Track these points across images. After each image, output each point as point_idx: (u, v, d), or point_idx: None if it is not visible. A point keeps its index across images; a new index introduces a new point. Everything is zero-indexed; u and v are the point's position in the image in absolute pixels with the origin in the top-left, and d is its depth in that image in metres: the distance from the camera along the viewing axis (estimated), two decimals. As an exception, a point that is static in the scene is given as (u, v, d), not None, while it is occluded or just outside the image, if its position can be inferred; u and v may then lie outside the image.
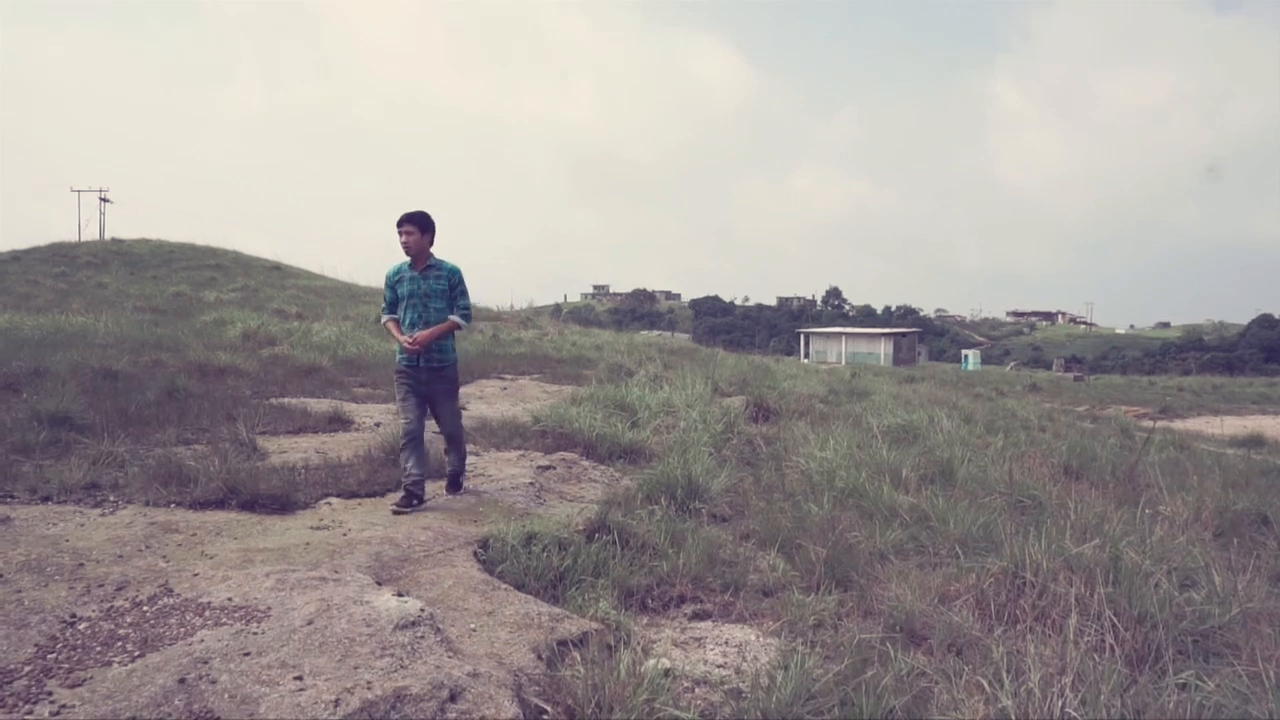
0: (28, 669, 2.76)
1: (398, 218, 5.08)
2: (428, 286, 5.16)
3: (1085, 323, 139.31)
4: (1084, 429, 12.27)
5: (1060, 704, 2.69)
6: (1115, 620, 3.25)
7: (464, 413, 9.04)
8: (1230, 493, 5.87)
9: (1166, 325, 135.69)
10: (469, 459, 6.13)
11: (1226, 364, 69.90)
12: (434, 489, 5.51)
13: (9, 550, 3.78)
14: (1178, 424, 19.61)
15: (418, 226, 5.12)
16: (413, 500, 4.98)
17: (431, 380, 5.20)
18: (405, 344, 5.14)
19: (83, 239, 35.69)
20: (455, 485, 5.46)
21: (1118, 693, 2.76)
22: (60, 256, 27.89)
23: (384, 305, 5.36)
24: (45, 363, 8.51)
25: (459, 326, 5.27)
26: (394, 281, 5.23)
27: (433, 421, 5.46)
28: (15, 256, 27.68)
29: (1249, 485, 6.51)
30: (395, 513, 4.85)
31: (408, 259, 5.17)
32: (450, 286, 5.24)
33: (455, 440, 5.41)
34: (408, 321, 5.19)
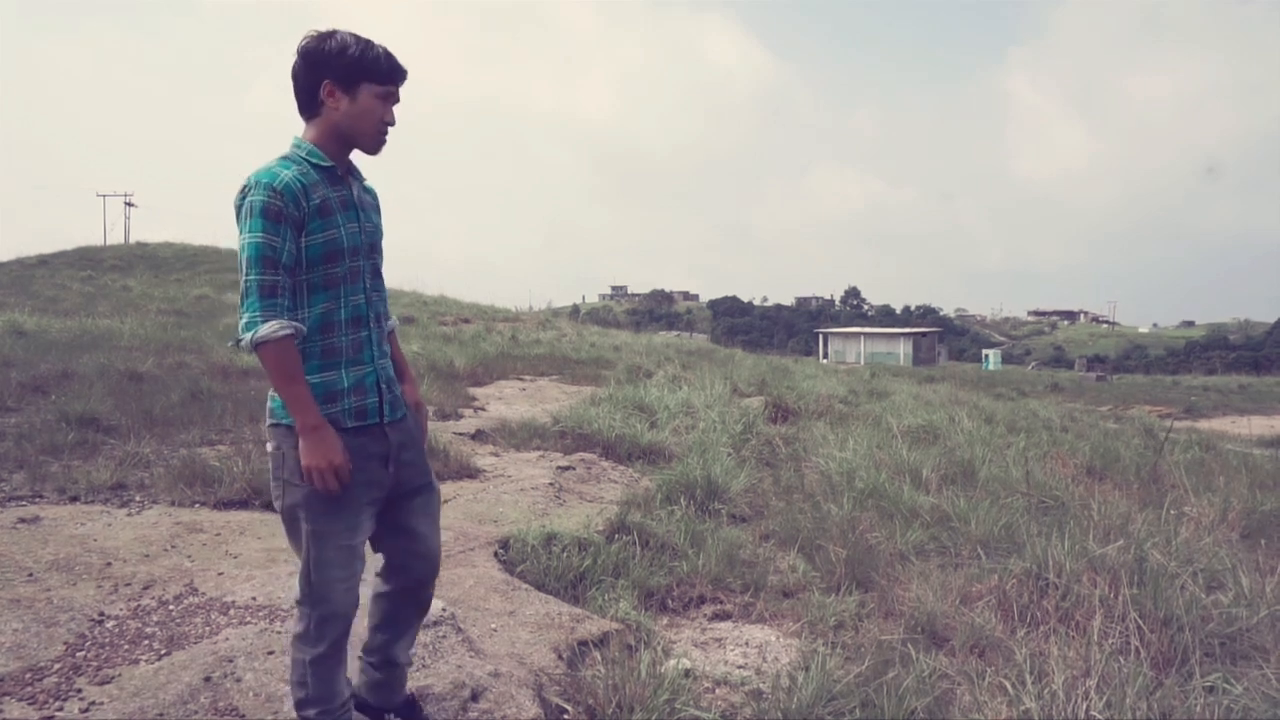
0: (57, 666, 2.81)
1: (352, 48, 2.11)
2: (372, 220, 2.30)
3: (1107, 322, 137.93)
4: (1107, 429, 12.14)
5: (1085, 706, 2.67)
6: (1140, 622, 3.21)
7: (483, 414, 9.07)
8: (1258, 493, 5.78)
9: (1191, 324, 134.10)
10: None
11: (1253, 363, 68.89)
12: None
13: (39, 549, 3.84)
14: (1203, 424, 19.37)
15: None
16: None
17: (401, 451, 2.30)
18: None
19: (108, 243, 36.20)
20: (413, 712, 2.52)
21: (1143, 695, 2.73)
22: (86, 260, 28.28)
23: (259, 275, 2.00)
24: (72, 365, 8.63)
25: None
26: (313, 206, 2.09)
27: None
28: (43, 260, 28.10)
29: (1277, 486, 6.41)
30: None
31: (314, 156, 2.14)
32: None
33: (427, 584, 2.45)
34: (350, 318, 2.19)
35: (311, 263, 2.11)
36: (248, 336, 2.00)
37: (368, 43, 2.13)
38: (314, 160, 2.14)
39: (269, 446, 2.19)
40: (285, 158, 2.13)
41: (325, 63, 2.11)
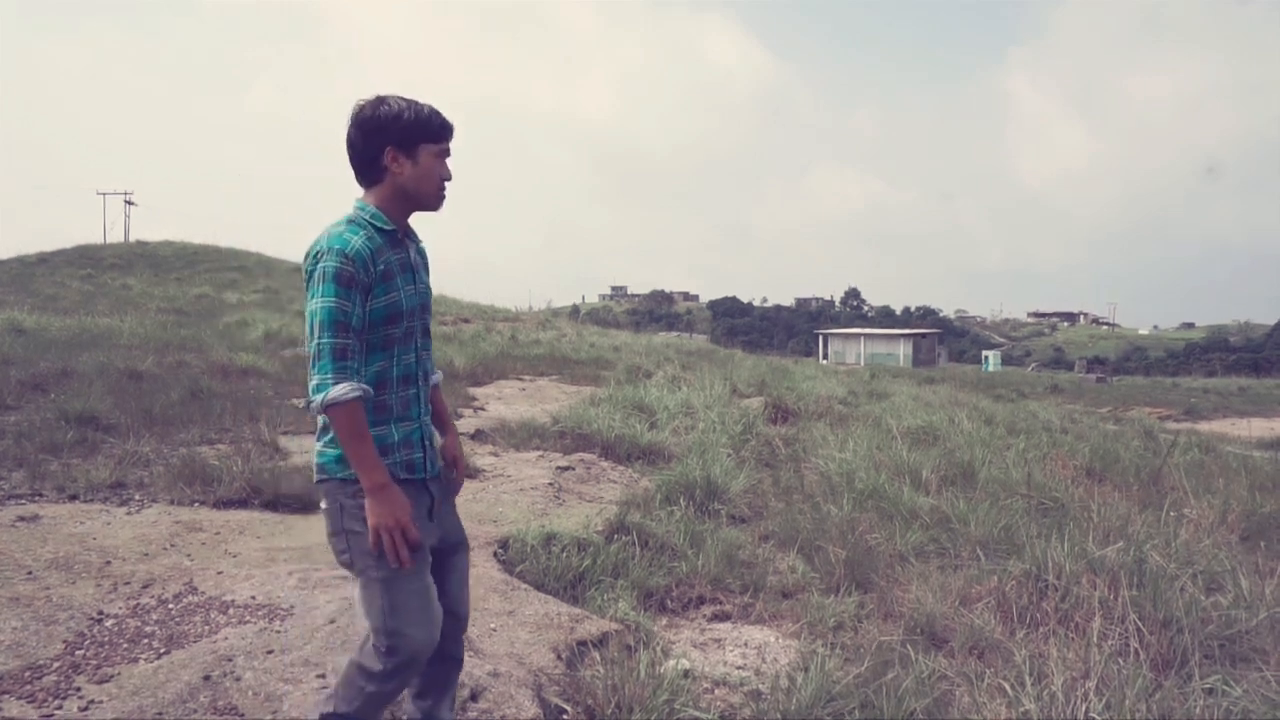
0: (57, 665, 2.81)
1: (406, 112, 2.15)
2: (424, 280, 2.36)
3: (1107, 323, 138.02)
4: (1107, 431, 12.15)
5: (1084, 708, 2.67)
6: (1140, 624, 3.21)
7: (482, 413, 9.09)
8: (1257, 495, 5.78)
9: (1191, 326, 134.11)
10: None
11: (1253, 365, 68.94)
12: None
13: (38, 548, 3.84)
14: (1202, 426, 19.38)
15: None
16: None
17: (442, 505, 2.37)
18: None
19: (108, 241, 36.18)
20: None
21: (1143, 697, 2.73)
22: (86, 259, 28.26)
23: (331, 339, 2.06)
24: (72, 363, 8.63)
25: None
26: (379, 271, 2.13)
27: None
28: (43, 259, 28.09)
29: (1277, 488, 6.41)
30: None
31: (378, 220, 2.18)
32: None
33: (458, 640, 2.43)
34: (401, 376, 2.24)
35: (373, 324, 2.15)
36: (319, 398, 2.02)
37: (417, 104, 2.18)
38: (378, 224, 2.17)
39: (322, 505, 2.18)
40: (352, 221, 2.16)
41: (384, 129, 2.15)
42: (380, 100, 2.17)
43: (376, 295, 2.13)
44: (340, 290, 2.05)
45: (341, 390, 2.02)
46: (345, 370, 2.06)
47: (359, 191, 2.23)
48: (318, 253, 2.08)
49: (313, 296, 2.06)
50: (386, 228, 2.18)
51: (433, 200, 2.25)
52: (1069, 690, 2.75)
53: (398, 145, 2.15)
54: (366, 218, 2.17)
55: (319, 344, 2.05)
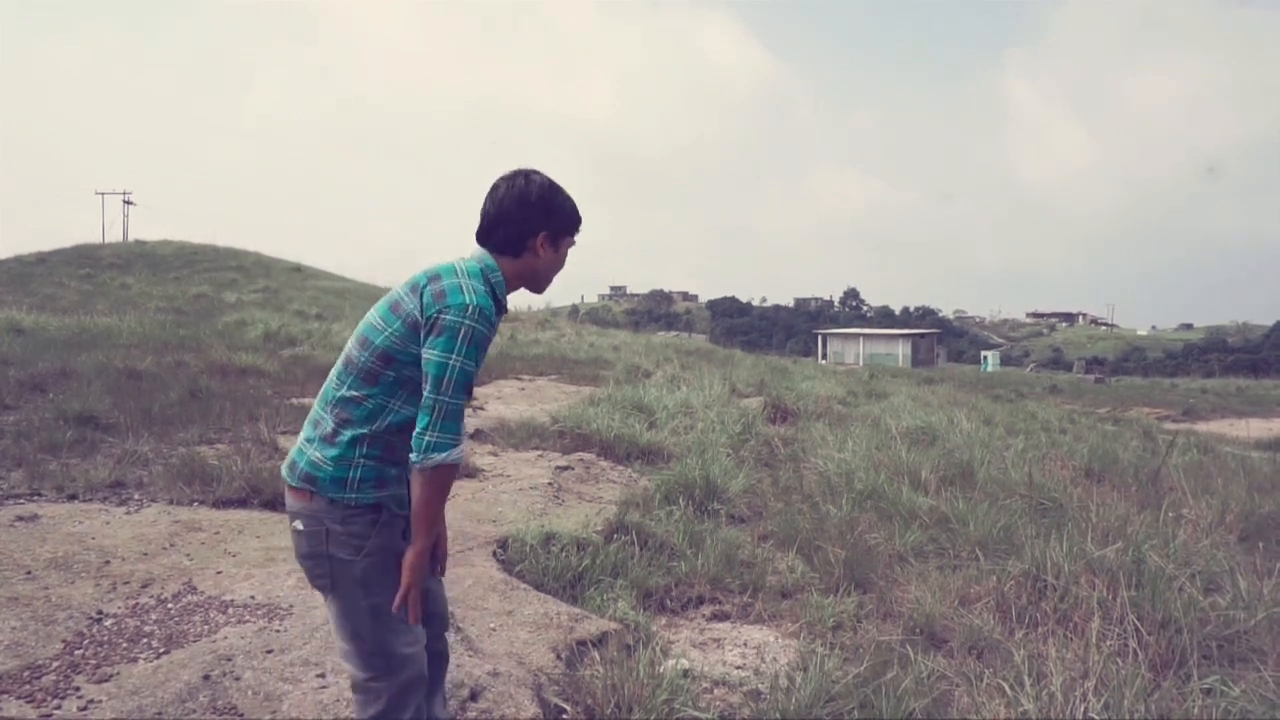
0: (56, 664, 2.81)
1: (570, 205, 2.23)
2: None
3: (1106, 324, 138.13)
4: (1105, 431, 12.16)
5: (1083, 708, 2.67)
6: (1138, 624, 3.22)
7: (482, 413, 9.10)
8: (1256, 496, 5.79)
9: (1189, 326, 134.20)
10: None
11: (1251, 366, 69.04)
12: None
13: (37, 547, 3.84)
14: (1201, 426, 19.40)
15: None
16: None
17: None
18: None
19: (107, 241, 36.17)
20: None
21: (1141, 697, 2.74)
22: (85, 258, 28.25)
23: (462, 401, 2.08)
24: (71, 363, 8.62)
25: None
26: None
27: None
28: (41, 258, 28.07)
29: (1275, 488, 6.42)
30: None
31: (499, 289, 2.18)
32: None
33: (440, 637, 2.41)
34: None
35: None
36: (440, 456, 1.99)
37: (569, 196, 2.22)
38: (498, 294, 2.15)
39: (298, 525, 2.08)
40: (486, 281, 2.12)
41: (550, 215, 2.16)
42: (552, 185, 2.19)
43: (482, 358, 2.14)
44: (480, 356, 2.06)
45: (459, 454, 2.03)
46: (462, 433, 2.07)
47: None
48: (463, 306, 2.02)
49: (452, 351, 2.01)
50: (502, 299, 2.18)
51: (546, 286, 2.27)
52: (1068, 690, 2.76)
53: (552, 233, 2.17)
54: (492, 283, 2.14)
55: (451, 403, 2.01)
